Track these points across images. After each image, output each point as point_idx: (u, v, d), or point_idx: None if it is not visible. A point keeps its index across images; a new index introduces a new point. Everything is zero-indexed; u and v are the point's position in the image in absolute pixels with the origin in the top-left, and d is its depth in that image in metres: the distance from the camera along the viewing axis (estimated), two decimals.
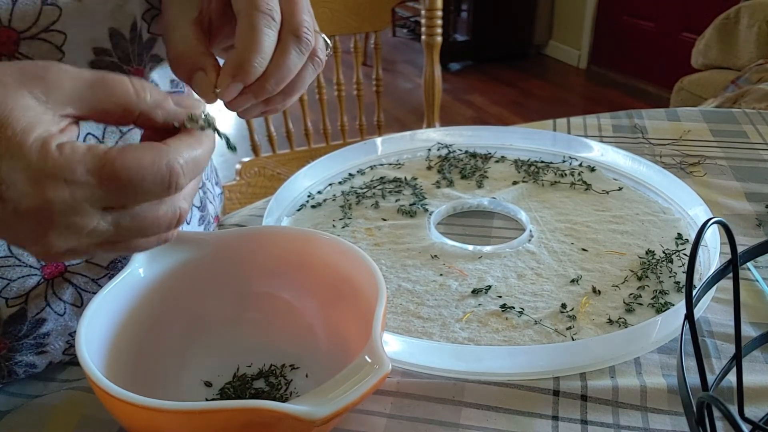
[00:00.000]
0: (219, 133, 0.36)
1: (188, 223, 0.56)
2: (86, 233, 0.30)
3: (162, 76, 0.49)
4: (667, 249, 0.59)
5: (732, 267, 0.40)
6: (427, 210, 0.67)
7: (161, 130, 0.33)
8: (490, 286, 0.55)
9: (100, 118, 0.31)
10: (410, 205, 0.67)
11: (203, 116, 0.34)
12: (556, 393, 0.44)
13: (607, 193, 0.69)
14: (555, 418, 0.42)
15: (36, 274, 0.44)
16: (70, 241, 0.30)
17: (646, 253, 0.58)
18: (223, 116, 0.41)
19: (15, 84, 0.28)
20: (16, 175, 0.27)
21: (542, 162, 0.76)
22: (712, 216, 0.41)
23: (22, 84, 0.29)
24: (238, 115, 0.40)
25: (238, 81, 0.37)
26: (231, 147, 0.37)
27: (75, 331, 0.47)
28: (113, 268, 0.48)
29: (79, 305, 0.47)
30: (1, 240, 0.31)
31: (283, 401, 0.34)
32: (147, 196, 0.30)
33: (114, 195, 0.29)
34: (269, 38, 0.37)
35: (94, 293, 0.46)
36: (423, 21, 1.27)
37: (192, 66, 0.38)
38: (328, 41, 0.43)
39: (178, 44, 0.38)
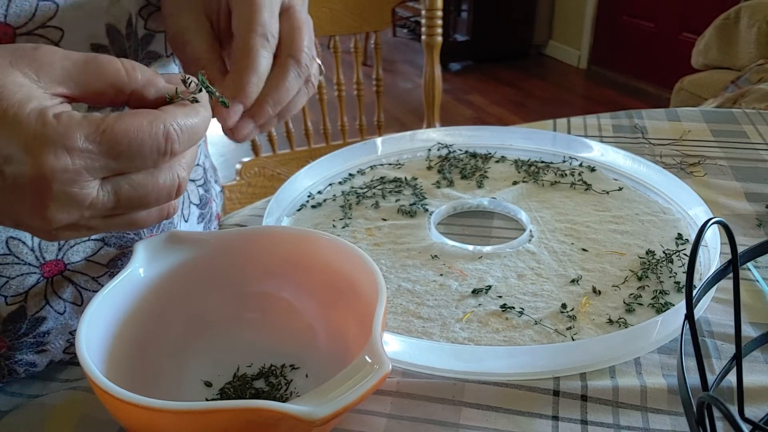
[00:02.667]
0: (212, 93, 0.36)
1: (187, 221, 0.56)
2: (87, 205, 0.30)
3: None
4: (667, 249, 0.59)
5: (732, 267, 0.40)
6: (427, 210, 0.67)
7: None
8: (490, 286, 0.55)
9: (92, 98, 0.31)
10: (410, 205, 0.67)
11: (199, 79, 0.35)
12: (556, 393, 0.44)
13: (607, 193, 0.69)
14: (555, 418, 0.42)
15: (35, 273, 0.44)
16: (71, 214, 0.30)
17: (646, 253, 0.58)
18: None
19: (6, 63, 0.29)
20: (14, 146, 0.27)
21: (542, 162, 0.76)
22: (712, 216, 0.41)
23: (13, 64, 0.29)
24: (234, 138, 0.41)
25: (237, 102, 0.37)
26: (225, 104, 0.38)
27: (75, 330, 0.47)
28: (113, 266, 0.48)
29: (79, 304, 0.47)
30: (2, 220, 0.31)
31: (283, 401, 0.34)
32: (144, 161, 0.30)
33: (112, 161, 0.29)
34: (265, 59, 0.38)
35: (94, 292, 0.46)
36: (423, 21, 1.27)
37: (209, 75, 0.38)
38: (323, 68, 0.44)
39: (197, 50, 0.39)
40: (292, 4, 0.42)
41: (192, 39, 0.40)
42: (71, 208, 0.29)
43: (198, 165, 0.58)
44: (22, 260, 0.43)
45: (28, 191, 0.28)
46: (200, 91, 0.35)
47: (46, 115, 0.28)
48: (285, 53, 0.39)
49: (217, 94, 0.37)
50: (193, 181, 0.57)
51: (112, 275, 0.47)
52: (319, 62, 0.43)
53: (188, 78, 0.35)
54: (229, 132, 0.39)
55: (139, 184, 0.31)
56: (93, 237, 0.46)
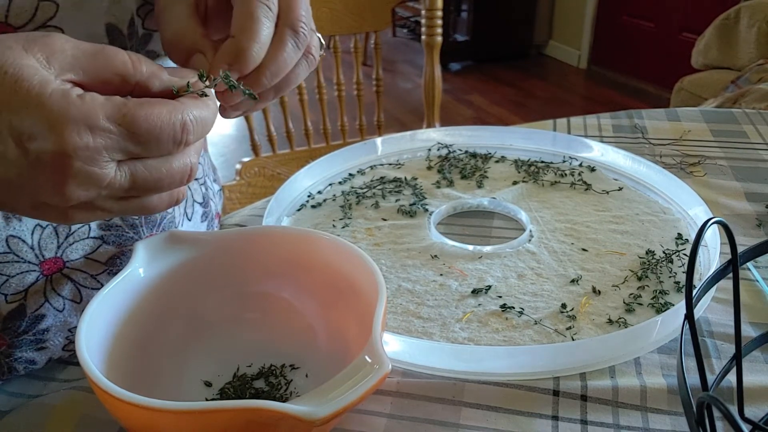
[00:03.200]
0: (235, 87, 0.36)
1: (190, 220, 0.56)
2: (105, 185, 0.31)
3: None
4: (667, 249, 0.59)
5: (732, 267, 0.40)
6: (427, 210, 0.67)
7: None
8: (490, 286, 0.55)
9: (98, 87, 0.32)
10: (410, 205, 0.67)
11: (221, 74, 0.35)
12: (556, 393, 0.44)
13: (607, 193, 0.69)
14: (555, 418, 0.42)
15: (35, 270, 0.44)
16: (89, 192, 0.30)
17: (646, 253, 0.58)
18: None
19: (20, 48, 0.29)
20: (38, 124, 0.28)
21: (542, 162, 0.76)
22: (712, 216, 0.41)
23: (26, 48, 0.30)
24: (226, 113, 0.40)
25: (234, 70, 0.36)
26: (252, 96, 0.37)
27: (74, 327, 0.47)
28: (112, 264, 0.48)
29: (78, 301, 0.47)
30: (19, 200, 0.32)
31: (283, 401, 0.34)
32: (160, 148, 0.32)
33: (131, 144, 0.30)
34: (267, 28, 0.37)
35: (93, 289, 0.46)
36: (423, 21, 1.27)
37: (189, 48, 0.37)
38: (323, 41, 0.43)
39: (174, 24, 0.38)
40: None
41: (170, 12, 0.38)
42: (90, 186, 0.30)
43: (199, 164, 0.58)
44: (22, 258, 0.43)
45: (50, 168, 0.29)
46: (226, 86, 0.35)
47: (69, 94, 0.29)
48: (282, 22, 0.38)
49: (242, 87, 0.37)
50: (196, 179, 0.57)
51: (111, 273, 0.47)
52: (319, 36, 0.42)
53: (203, 72, 0.35)
54: (221, 98, 0.39)
55: (155, 168, 0.32)
56: (92, 235, 0.46)
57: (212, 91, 0.35)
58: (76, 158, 0.29)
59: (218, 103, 0.35)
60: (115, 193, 0.32)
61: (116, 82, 0.32)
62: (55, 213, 0.32)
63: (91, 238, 0.46)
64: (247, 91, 0.37)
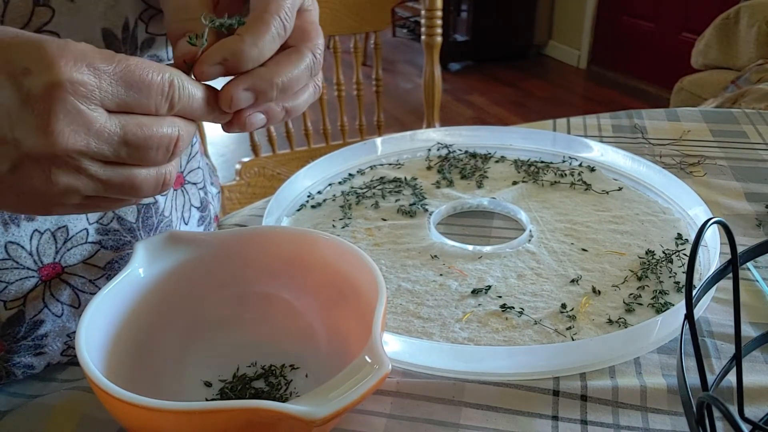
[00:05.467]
0: (221, 25, 0.36)
1: (187, 224, 0.56)
2: (94, 130, 0.30)
3: None
4: (667, 249, 0.59)
5: (732, 267, 0.40)
6: (427, 210, 0.67)
7: None
8: (490, 286, 0.55)
9: None
10: (410, 205, 0.67)
11: (207, 19, 0.35)
12: (556, 393, 0.44)
13: (607, 193, 0.69)
14: (555, 418, 0.42)
15: (33, 276, 0.44)
16: (78, 135, 0.29)
17: (646, 253, 0.58)
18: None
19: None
20: (36, 59, 0.29)
21: (542, 162, 0.76)
22: (712, 216, 0.41)
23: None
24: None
25: (227, 67, 0.35)
26: (241, 22, 0.36)
27: (73, 332, 0.47)
28: (110, 268, 0.48)
29: (77, 306, 0.47)
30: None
31: (283, 401, 0.34)
32: (149, 101, 0.31)
33: (122, 89, 0.30)
34: (274, 41, 0.36)
35: (91, 294, 0.46)
36: (423, 21, 1.27)
37: (189, 21, 0.36)
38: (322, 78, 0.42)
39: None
40: (309, 8, 0.41)
41: None
42: (79, 126, 0.29)
43: (199, 168, 0.58)
44: (21, 264, 0.43)
45: (41, 101, 0.28)
46: (217, 29, 0.35)
47: (69, 42, 0.29)
48: (304, 45, 0.38)
49: (228, 21, 0.36)
50: (194, 184, 0.57)
51: (109, 277, 0.47)
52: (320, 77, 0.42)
53: (197, 35, 0.35)
54: (227, 123, 0.37)
55: (145, 124, 0.32)
56: (90, 240, 0.46)
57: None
58: (69, 91, 0.29)
59: (205, 95, 0.34)
60: (104, 147, 0.31)
61: None
62: (37, 173, 0.30)
63: (90, 242, 0.46)
64: (237, 22, 0.36)
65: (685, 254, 0.58)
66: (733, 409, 0.40)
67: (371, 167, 0.76)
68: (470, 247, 0.60)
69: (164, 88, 0.32)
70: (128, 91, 0.31)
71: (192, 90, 0.34)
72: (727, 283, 0.45)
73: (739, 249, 0.40)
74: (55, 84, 0.28)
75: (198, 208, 0.58)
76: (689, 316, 0.37)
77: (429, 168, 0.76)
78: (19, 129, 0.29)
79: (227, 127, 0.38)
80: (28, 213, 0.37)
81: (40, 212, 0.34)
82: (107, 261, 0.47)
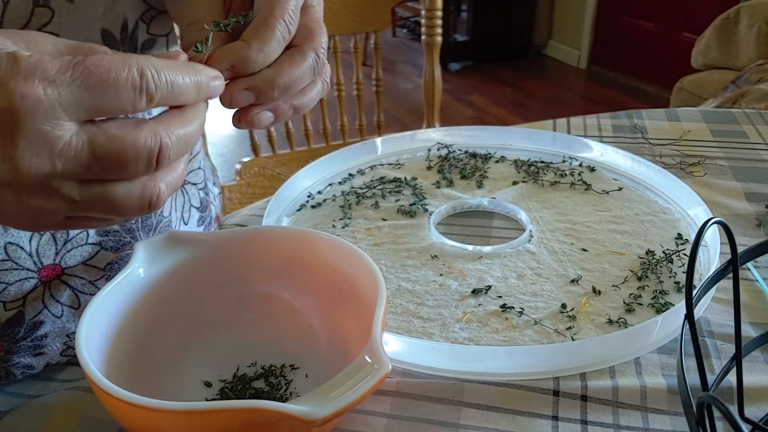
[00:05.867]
0: (225, 25, 0.36)
1: (186, 224, 0.56)
2: (59, 150, 0.27)
3: None
4: (667, 249, 0.59)
5: (732, 267, 0.40)
6: (427, 210, 0.67)
7: None
8: (490, 286, 0.55)
9: None
10: (410, 205, 0.67)
11: (212, 24, 0.35)
12: (556, 393, 0.44)
13: (607, 193, 0.69)
14: (555, 418, 0.42)
15: (33, 277, 0.44)
16: (41, 159, 0.27)
17: (646, 253, 0.58)
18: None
19: None
20: None
21: (542, 162, 0.76)
22: (712, 216, 0.41)
23: (3, 35, 0.29)
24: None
25: (233, 72, 0.35)
26: (247, 18, 0.36)
27: (72, 333, 0.47)
28: (110, 269, 0.48)
29: (77, 307, 0.47)
30: None
31: (283, 401, 0.34)
32: (120, 96, 0.28)
33: (86, 94, 0.27)
34: (279, 45, 0.36)
35: (91, 295, 0.46)
36: (423, 21, 1.28)
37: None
38: (328, 66, 0.42)
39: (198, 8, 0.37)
40: (314, 4, 0.41)
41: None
42: (42, 149, 0.27)
43: (200, 168, 0.58)
44: (21, 265, 0.43)
45: None
46: (219, 31, 0.35)
47: (17, 53, 0.27)
48: (307, 44, 0.38)
49: (232, 20, 0.36)
50: (194, 184, 0.57)
51: (109, 278, 0.47)
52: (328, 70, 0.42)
53: (202, 43, 0.35)
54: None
55: (117, 137, 0.29)
56: (90, 241, 0.46)
57: (183, 54, 0.34)
58: (26, 114, 0.26)
59: (192, 67, 0.33)
60: (72, 167, 0.28)
61: None
62: (9, 197, 0.28)
63: (90, 244, 0.46)
64: (243, 19, 0.36)
65: (685, 254, 0.58)
66: (733, 409, 0.40)
67: (371, 167, 0.76)
68: (470, 247, 0.60)
69: (134, 81, 0.29)
70: (94, 95, 0.28)
71: (170, 76, 0.30)
72: (727, 283, 0.45)
73: (739, 249, 0.40)
74: (8, 109, 0.26)
75: (198, 209, 0.58)
76: (689, 316, 0.37)
77: (429, 168, 0.76)
78: None
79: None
80: (17, 228, 0.36)
81: (27, 229, 0.32)
82: (107, 262, 0.47)
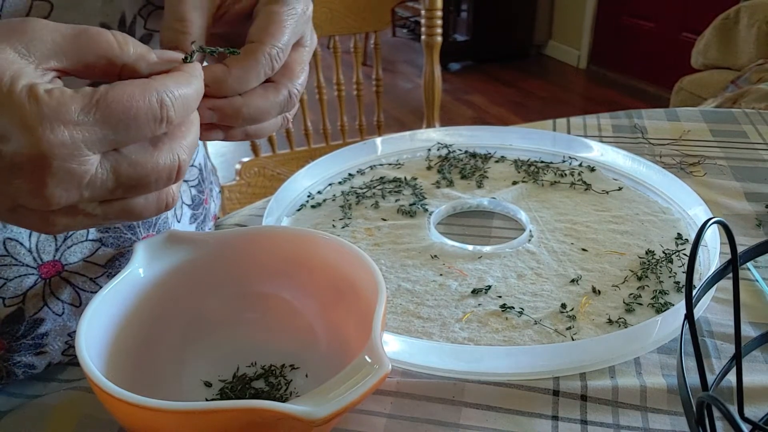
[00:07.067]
0: (213, 52, 0.36)
1: (179, 221, 0.56)
2: (86, 183, 0.29)
3: None
4: (667, 249, 0.59)
5: (732, 267, 0.40)
6: (427, 210, 0.67)
7: None
8: (489, 286, 0.55)
9: (83, 72, 0.31)
10: (410, 205, 0.67)
11: (195, 48, 0.35)
12: (556, 393, 0.44)
13: (607, 193, 0.69)
14: (555, 418, 0.42)
15: (33, 274, 0.43)
16: (70, 192, 0.29)
17: (646, 253, 0.58)
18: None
19: None
20: (10, 124, 0.27)
21: (542, 162, 0.76)
22: (712, 216, 0.41)
23: (2, 39, 0.28)
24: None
25: (207, 93, 0.35)
26: (234, 53, 0.37)
27: (74, 332, 0.47)
28: (111, 267, 0.48)
29: (78, 305, 0.47)
30: None
31: (283, 401, 0.34)
32: (141, 129, 0.30)
33: (110, 131, 0.29)
34: (259, 78, 0.37)
35: (92, 292, 0.46)
36: (423, 21, 1.28)
37: (182, 33, 0.37)
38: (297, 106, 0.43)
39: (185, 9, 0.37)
40: (307, 44, 0.41)
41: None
42: (70, 185, 0.29)
43: (194, 166, 0.58)
44: (20, 261, 0.43)
45: (27, 169, 0.28)
46: (199, 54, 0.35)
47: (37, 91, 0.28)
48: (286, 80, 0.39)
49: (219, 49, 0.36)
50: (186, 181, 0.57)
51: (110, 276, 0.47)
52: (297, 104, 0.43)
53: (188, 56, 0.35)
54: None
55: (138, 163, 0.31)
56: (90, 237, 0.46)
57: (198, 66, 0.34)
58: (54, 157, 0.28)
59: (202, 80, 0.34)
60: (98, 193, 0.30)
61: (102, 65, 0.31)
62: (35, 217, 0.30)
63: (90, 240, 0.46)
64: (229, 52, 0.37)
65: (685, 254, 0.58)
66: (733, 409, 0.40)
67: (371, 167, 0.76)
68: (470, 247, 0.60)
69: (155, 112, 0.30)
70: (116, 131, 0.29)
71: (184, 98, 0.32)
72: (727, 283, 0.45)
73: (739, 249, 0.40)
74: (37, 155, 0.27)
75: (190, 206, 0.58)
76: (689, 316, 0.37)
77: (429, 168, 0.76)
78: (13, 188, 0.29)
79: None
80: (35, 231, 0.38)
81: (46, 233, 0.34)
82: (108, 259, 0.47)
